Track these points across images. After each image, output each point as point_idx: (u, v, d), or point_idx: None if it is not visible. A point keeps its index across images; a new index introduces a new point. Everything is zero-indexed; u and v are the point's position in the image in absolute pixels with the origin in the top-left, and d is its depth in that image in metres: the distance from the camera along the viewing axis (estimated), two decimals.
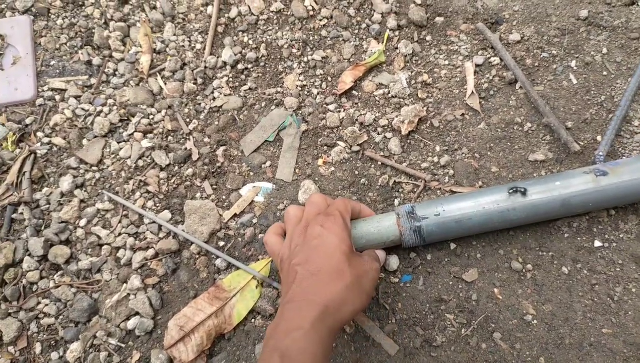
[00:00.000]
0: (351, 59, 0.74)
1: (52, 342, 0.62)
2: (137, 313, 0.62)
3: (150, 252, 0.65)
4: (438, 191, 0.65)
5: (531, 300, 0.59)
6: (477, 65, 0.70)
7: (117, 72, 0.76)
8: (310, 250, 0.50)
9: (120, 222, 0.67)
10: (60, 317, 0.63)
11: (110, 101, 0.73)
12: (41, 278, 0.65)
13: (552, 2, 0.72)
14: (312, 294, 0.47)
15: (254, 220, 0.66)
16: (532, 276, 0.60)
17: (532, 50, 0.69)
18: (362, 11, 0.76)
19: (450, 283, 0.61)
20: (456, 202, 0.58)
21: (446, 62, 0.71)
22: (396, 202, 0.65)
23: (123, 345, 0.61)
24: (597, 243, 0.60)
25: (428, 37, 0.73)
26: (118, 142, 0.71)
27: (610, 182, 0.56)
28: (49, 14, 0.79)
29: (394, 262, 0.61)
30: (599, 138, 0.64)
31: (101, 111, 0.73)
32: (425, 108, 0.69)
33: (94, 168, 0.70)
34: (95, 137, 0.71)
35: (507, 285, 0.60)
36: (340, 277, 0.48)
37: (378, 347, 0.58)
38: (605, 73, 0.67)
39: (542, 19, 0.71)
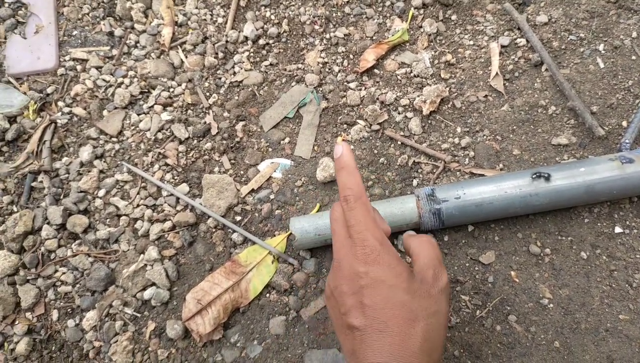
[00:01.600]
0: (374, 37, 0.73)
1: (69, 310, 0.63)
2: (153, 284, 0.63)
3: (168, 224, 0.65)
4: (458, 173, 0.64)
5: (548, 284, 0.58)
6: (502, 47, 0.69)
7: (138, 44, 0.75)
8: (361, 302, 0.40)
9: (138, 193, 0.67)
10: (78, 285, 0.64)
11: (131, 73, 0.73)
12: (59, 246, 0.66)
13: None
14: (390, 356, 0.37)
15: (272, 196, 0.66)
16: (550, 260, 0.59)
17: (559, 32, 0.68)
18: None
19: (467, 265, 0.61)
20: (477, 186, 0.58)
21: (471, 42, 0.70)
22: (415, 182, 0.65)
23: (139, 315, 0.62)
24: (618, 230, 0.59)
25: (453, 17, 0.72)
26: (138, 114, 0.71)
27: (636, 170, 0.55)
28: None
29: None
30: (624, 124, 0.62)
31: (122, 83, 0.73)
32: (447, 88, 0.68)
33: (114, 139, 0.70)
34: (115, 108, 0.72)
35: (525, 269, 0.59)
36: (413, 324, 0.38)
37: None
38: (634, 58, 0.65)
39: (571, 1, 0.69)
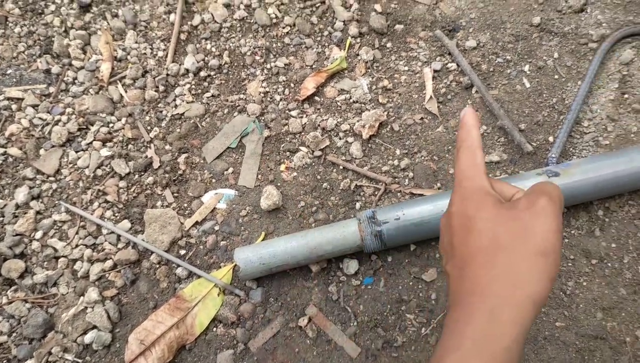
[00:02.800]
0: (314, 66, 0.74)
1: (5, 361, 0.60)
2: (94, 327, 0.61)
3: (109, 263, 0.63)
4: (399, 193, 0.66)
5: None
6: (435, 71, 0.72)
7: (76, 81, 0.74)
8: (448, 242, 0.39)
9: (77, 233, 0.66)
10: (14, 334, 0.61)
11: (69, 110, 0.72)
12: None
13: (506, 10, 0.74)
14: (469, 294, 0.35)
15: (216, 227, 0.66)
16: None
17: (487, 56, 0.71)
18: (324, 19, 0.77)
19: (411, 283, 0.61)
20: (416, 206, 0.59)
21: (406, 68, 0.73)
22: (358, 205, 0.66)
23: (80, 361, 0.60)
24: None
25: (388, 44, 0.74)
26: (76, 152, 0.70)
27: (561, 183, 0.57)
28: (7, 22, 0.78)
29: (353, 265, 0.62)
30: (551, 139, 0.66)
31: (59, 120, 0.71)
32: (385, 113, 0.70)
33: (51, 178, 0.69)
34: (52, 146, 0.70)
35: None
36: (495, 254, 0.35)
37: (340, 350, 0.58)
38: (556, 77, 0.69)
39: (497, 26, 0.73)
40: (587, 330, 0.57)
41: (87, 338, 0.60)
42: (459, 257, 0.37)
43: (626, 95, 0.66)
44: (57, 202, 0.67)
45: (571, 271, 0.60)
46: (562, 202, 0.37)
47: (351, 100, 0.71)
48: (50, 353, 0.60)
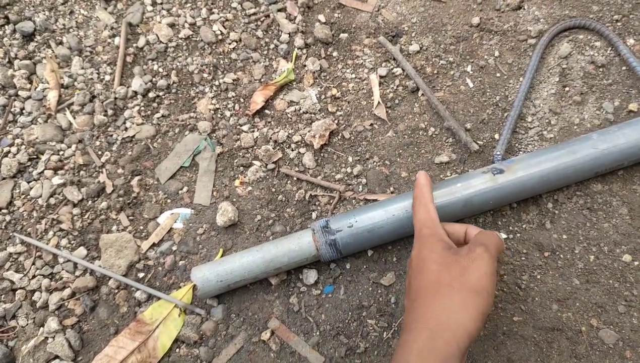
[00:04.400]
0: (262, 79, 0.75)
1: None
2: (56, 357, 0.60)
3: (67, 291, 0.63)
4: (353, 200, 0.67)
5: None
6: (381, 77, 0.73)
7: (24, 111, 0.74)
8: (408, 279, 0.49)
9: (34, 264, 0.65)
10: None
11: (17, 141, 0.71)
12: None
13: (446, 12, 0.76)
14: (415, 321, 0.43)
15: (174, 248, 0.66)
16: None
17: (430, 58, 0.73)
18: (270, 32, 0.77)
19: (370, 289, 0.62)
20: (368, 212, 0.60)
21: (353, 75, 0.74)
22: (314, 215, 0.66)
23: None
24: (503, 236, 0.63)
25: (334, 53, 0.75)
26: (28, 182, 0.69)
27: (506, 179, 0.59)
28: None
29: (312, 275, 0.62)
30: (496, 136, 0.67)
31: (9, 152, 0.71)
32: (335, 121, 0.71)
33: (4, 211, 0.68)
34: (3, 178, 0.69)
35: None
36: (437, 290, 0.43)
37: (305, 361, 0.59)
38: (498, 75, 0.71)
39: (439, 28, 0.75)
40: (544, 322, 0.58)
41: None
42: (413, 291, 0.46)
43: (567, 88, 0.68)
44: (11, 234, 0.66)
45: (525, 265, 0.61)
46: (499, 249, 0.48)
47: (301, 111, 0.72)
48: None
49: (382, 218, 0.59)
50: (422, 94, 0.71)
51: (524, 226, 0.63)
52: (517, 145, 0.67)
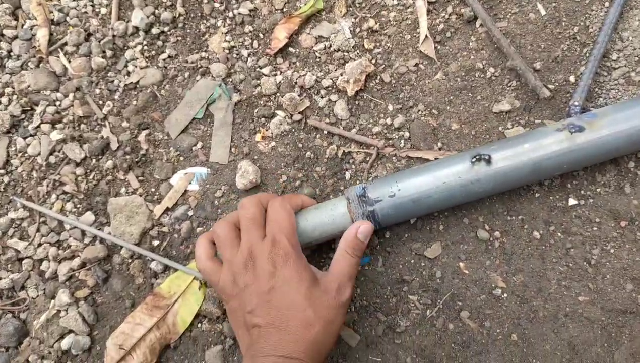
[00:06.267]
0: (285, 9, 0.62)
1: None
2: (70, 331, 0.56)
3: (77, 261, 0.57)
4: (394, 158, 0.57)
5: (500, 271, 0.53)
6: (430, 3, 0.59)
7: (12, 54, 0.64)
8: (268, 302, 0.44)
9: (38, 230, 0.59)
10: None
11: (8, 90, 0.62)
12: None
13: None
14: (285, 352, 0.42)
15: (190, 213, 0.59)
16: (501, 244, 0.54)
17: None
18: None
19: (412, 261, 0.55)
20: (413, 178, 0.50)
21: (395, 1, 0.61)
22: (347, 175, 0.57)
23: None
24: (572, 201, 0.53)
25: None
26: (24, 138, 0.61)
27: (587, 139, 0.48)
28: None
29: None
30: (572, 79, 0.55)
31: None
32: (373, 61, 0.59)
33: (1, 171, 0.61)
34: None
35: (474, 258, 0.54)
36: (310, 328, 0.43)
37: (338, 339, 0.53)
38: None
39: None
40: (614, 303, 0.50)
41: (65, 343, 0.56)
42: (276, 318, 0.45)
43: None
44: (11, 197, 0.60)
45: (596, 237, 0.52)
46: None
47: (332, 49, 0.60)
48: (27, 361, 0.56)
49: (431, 186, 0.49)
50: (481, 25, 0.58)
51: (598, 189, 0.53)
52: (597, 90, 0.55)
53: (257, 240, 0.47)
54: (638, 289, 0.50)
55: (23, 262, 0.58)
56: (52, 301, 0.57)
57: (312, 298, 0.44)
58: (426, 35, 0.58)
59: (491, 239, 0.54)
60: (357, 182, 0.57)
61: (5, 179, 0.60)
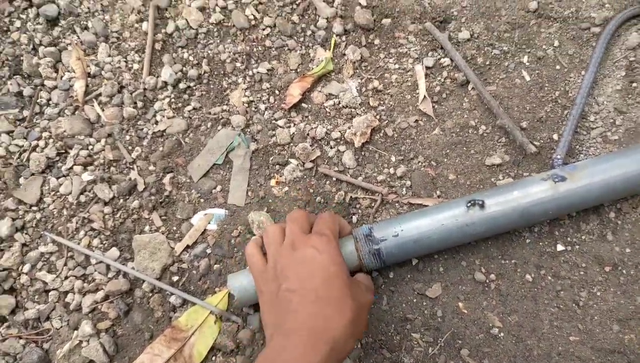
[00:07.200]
0: (298, 70, 0.70)
1: None
2: (91, 362, 0.59)
3: (100, 294, 0.61)
4: (397, 204, 0.63)
5: (497, 312, 0.57)
6: (427, 68, 0.67)
7: (50, 102, 0.71)
8: (304, 274, 0.47)
9: (66, 264, 0.63)
10: None
11: (45, 134, 0.68)
12: None
13: None
14: (316, 328, 0.44)
15: (208, 251, 0.63)
16: (497, 286, 0.58)
17: (482, 47, 0.67)
18: (306, 17, 0.72)
19: (415, 300, 0.59)
20: (414, 220, 0.56)
21: (396, 65, 0.68)
22: (354, 219, 0.63)
23: None
24: (560, 247, 0.58)
25: (376, 41, 0.70)
26: (57, 178, 0.67)
27: (569, 188, 0.54)
28: None
29: None
30: (555, 136, 0.62)
31: (37, 146, 0.68)
32: (377, 116, 0.66)
33: (34, 208, 0.66)
34: (32, 174, 0.67)
35: (472, 298, 0.58)
36: (343, 309, 0.45)
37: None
38: (558, 67, 0.65)
39: (492, 13, 0.68)
40: (603, 343, 0.54)
41: None
42: (308, 290, 0.48)
43: (634, 84, 0.62)
44: (42, 232, 0.65)
45: (583, 280, 0.57)
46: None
47: (340, 105, 0.67)
48: None
49: (430, 227, 0.55)
50: (473, 88, 0.65)
51: (583, 237, 0.59)
52: (577, 146, 0.61)
53: (300, 233, 0.51)
54: (624, 330, 0.55)
55: (50, 293, 0.62)
56: (75, 332, 0.60)
57: (348, 283, 0.47)
58: (425, 96, 0.66)
59: (487, 281, 0.58)
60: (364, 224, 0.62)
61: (38, 216, 0.65)
